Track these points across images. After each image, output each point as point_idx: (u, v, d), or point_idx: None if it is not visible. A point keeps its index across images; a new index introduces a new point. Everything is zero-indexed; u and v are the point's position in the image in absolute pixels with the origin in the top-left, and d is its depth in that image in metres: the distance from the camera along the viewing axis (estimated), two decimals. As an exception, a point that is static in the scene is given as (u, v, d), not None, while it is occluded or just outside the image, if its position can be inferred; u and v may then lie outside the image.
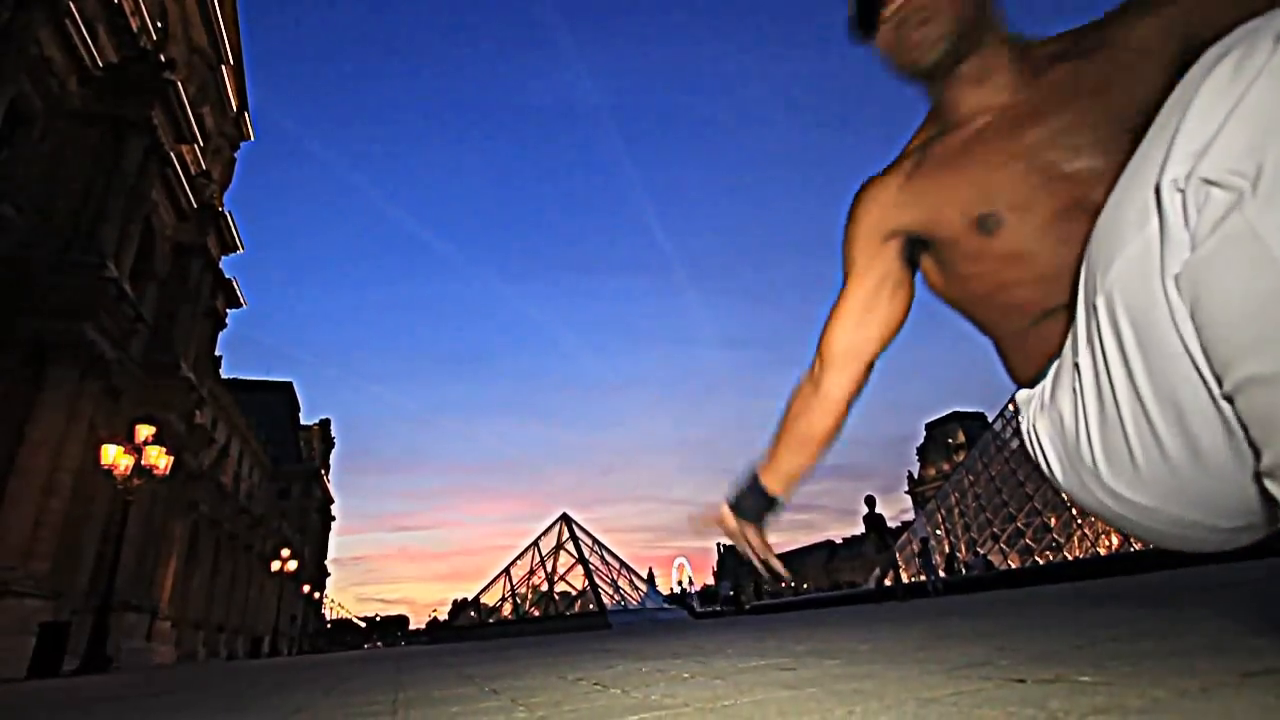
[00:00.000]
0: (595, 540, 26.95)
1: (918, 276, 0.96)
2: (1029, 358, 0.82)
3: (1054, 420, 0.76)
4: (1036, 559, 22.52)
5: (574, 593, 24.91)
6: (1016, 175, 0.77)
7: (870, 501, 11.56)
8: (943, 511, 26.71)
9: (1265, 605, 1.94)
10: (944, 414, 67.97)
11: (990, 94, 0.82)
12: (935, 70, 0.83)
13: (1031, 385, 0.82)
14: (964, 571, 19.58)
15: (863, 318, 0.95)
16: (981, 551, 22.94)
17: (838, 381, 0.97)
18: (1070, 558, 21.37)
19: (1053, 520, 23.41)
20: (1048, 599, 4.11)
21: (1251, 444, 0.54)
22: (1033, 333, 0.80)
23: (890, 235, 0.92)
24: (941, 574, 13.32)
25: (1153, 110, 0.58)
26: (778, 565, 1.07)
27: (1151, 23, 0.74)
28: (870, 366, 0.98)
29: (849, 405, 0.99)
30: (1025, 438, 0.85)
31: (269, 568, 28.70)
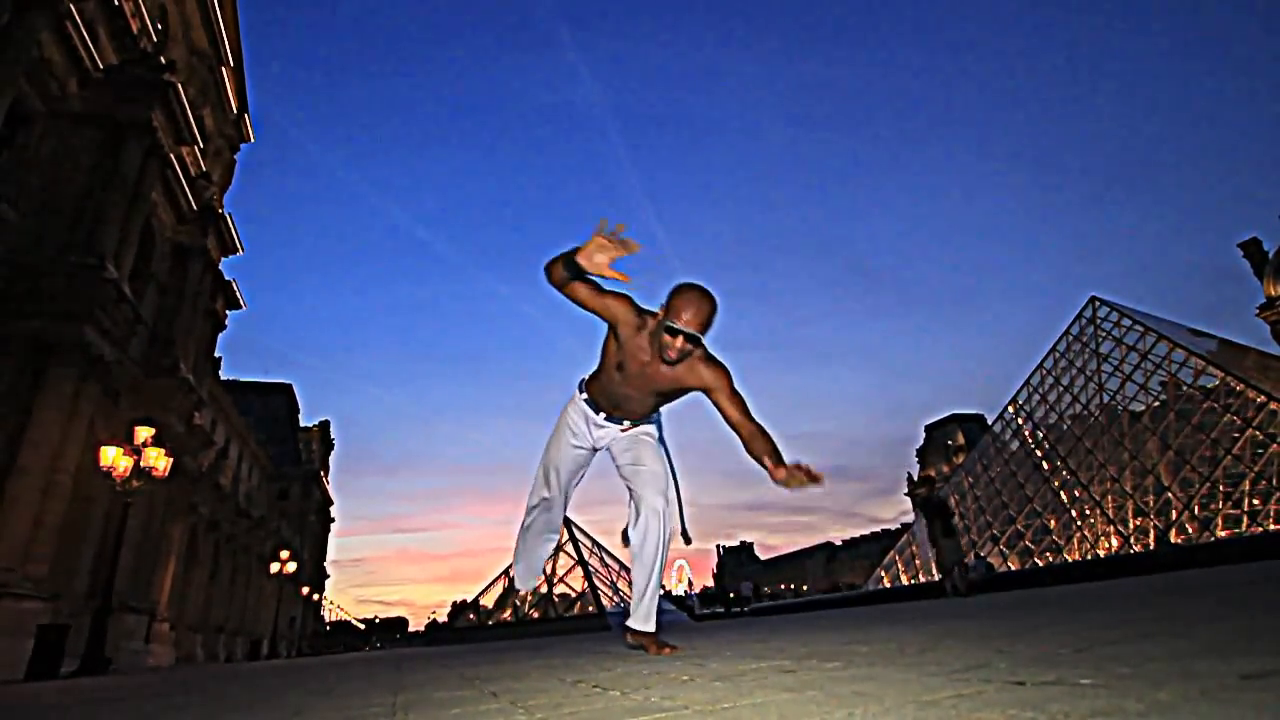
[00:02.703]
0: (595, 542, 26.92)
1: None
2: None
3: None
4: (1036, 561, 22.51)
5: (573, 595, 24.88)
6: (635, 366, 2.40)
7: (928, 481, 10.93)
8: (942, 513, 26.68)
9: (1264, 607, 1.94)
10: (943, 416, 67.77)
11: (655, 357, 2.32)
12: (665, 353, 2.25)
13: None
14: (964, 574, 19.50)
15: None
16: (981, 554, 22.91)
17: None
18: (1069, 559, 21.37)
19: (1052, 522, 23.40)
20: (1048, 601, 4.11)
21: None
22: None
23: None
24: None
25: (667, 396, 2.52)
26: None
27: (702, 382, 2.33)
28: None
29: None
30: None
31: (268, 569, 28.62)
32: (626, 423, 2.65)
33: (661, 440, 2.72)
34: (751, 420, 2.21)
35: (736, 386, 2.28)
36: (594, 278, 2.27)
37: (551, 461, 2.76)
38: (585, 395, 2.66)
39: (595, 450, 2.75)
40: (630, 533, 2.58)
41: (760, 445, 2.15)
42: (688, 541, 2.71)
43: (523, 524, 2.92)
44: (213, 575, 24.13)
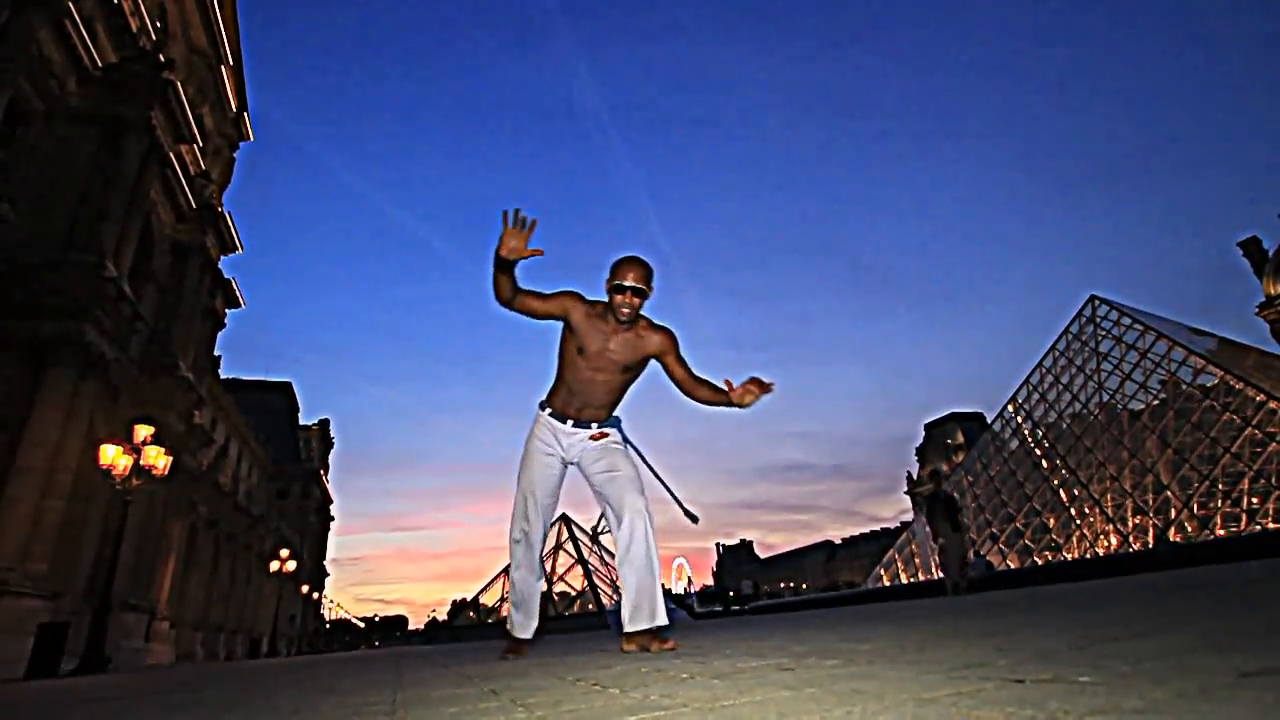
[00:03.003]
0: (594, 541, 26.98)
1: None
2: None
3: None
4: (1035, 559, 22.53)
5: (573, 593, 24.96)
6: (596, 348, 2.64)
7: (936, 476, 10.33)
8: (942, 512, 26.68)
9: (1262, 605, 1.94)
10: (942, 415, 67.95)
11: (612, 332, 2.62)
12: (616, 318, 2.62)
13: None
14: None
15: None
16: (981, 552, 22.93)
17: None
18: (1069, 558, 21.38)
19: (1051, 521, 23.42)
20: (1047, 599, 4.11)
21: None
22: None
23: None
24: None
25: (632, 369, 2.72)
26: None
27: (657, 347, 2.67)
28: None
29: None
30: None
31: (268, 568, 28.64)
32: (595, 426, 2.75)
33: (628, 441, 2.83)
34: (694, 375, 2.65)
35: (681, 350, 2.69)
36: (535, 288, 2.61)
37: (527, 486, 2.84)
38: (549, 410, 2.79)
39: (566, 464, 2.83)
40: (615, 536, 2.67)
41: (706, 390, 2.58)
42: (695, 520, 2.83)
43: (510, 564, 3.05)
44: (212, 573, 24.14)
